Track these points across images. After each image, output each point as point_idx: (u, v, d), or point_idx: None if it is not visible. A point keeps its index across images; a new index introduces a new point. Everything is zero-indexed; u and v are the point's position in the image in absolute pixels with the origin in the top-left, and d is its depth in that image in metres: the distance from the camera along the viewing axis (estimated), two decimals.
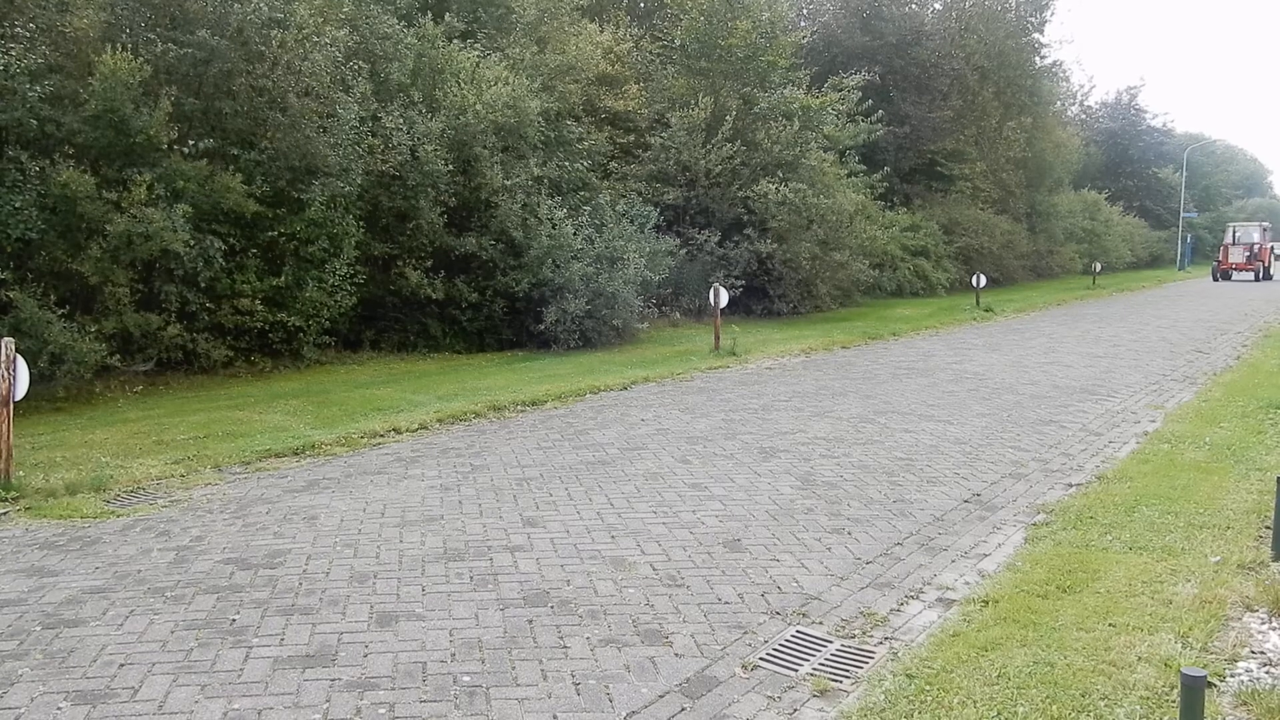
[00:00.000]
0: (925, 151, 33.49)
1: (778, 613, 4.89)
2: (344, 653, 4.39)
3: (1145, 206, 56.23)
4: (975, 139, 35.48)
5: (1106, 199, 48.26)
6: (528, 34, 19.79)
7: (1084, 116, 55.70)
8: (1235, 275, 42.41)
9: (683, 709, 3.91)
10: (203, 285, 12.37)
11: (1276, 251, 71.91)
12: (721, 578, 5.36)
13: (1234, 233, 44.22)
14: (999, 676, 4.07)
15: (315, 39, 13.36)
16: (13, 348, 7.00)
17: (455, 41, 17.36)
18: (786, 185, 20.82)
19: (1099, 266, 40.00)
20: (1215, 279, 41.82)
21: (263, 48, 12.75)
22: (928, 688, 4.00)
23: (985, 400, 11.26)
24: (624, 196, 19.67)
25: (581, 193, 18.60)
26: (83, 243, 11.32)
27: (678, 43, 22.78)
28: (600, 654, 4.39)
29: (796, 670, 4.28)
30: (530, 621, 4.75)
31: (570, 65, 19.99)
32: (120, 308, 11.47)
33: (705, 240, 20.55)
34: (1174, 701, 3.72)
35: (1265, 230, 44.45)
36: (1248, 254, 42.39)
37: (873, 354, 16.03)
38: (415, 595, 5.09)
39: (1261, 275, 41.87)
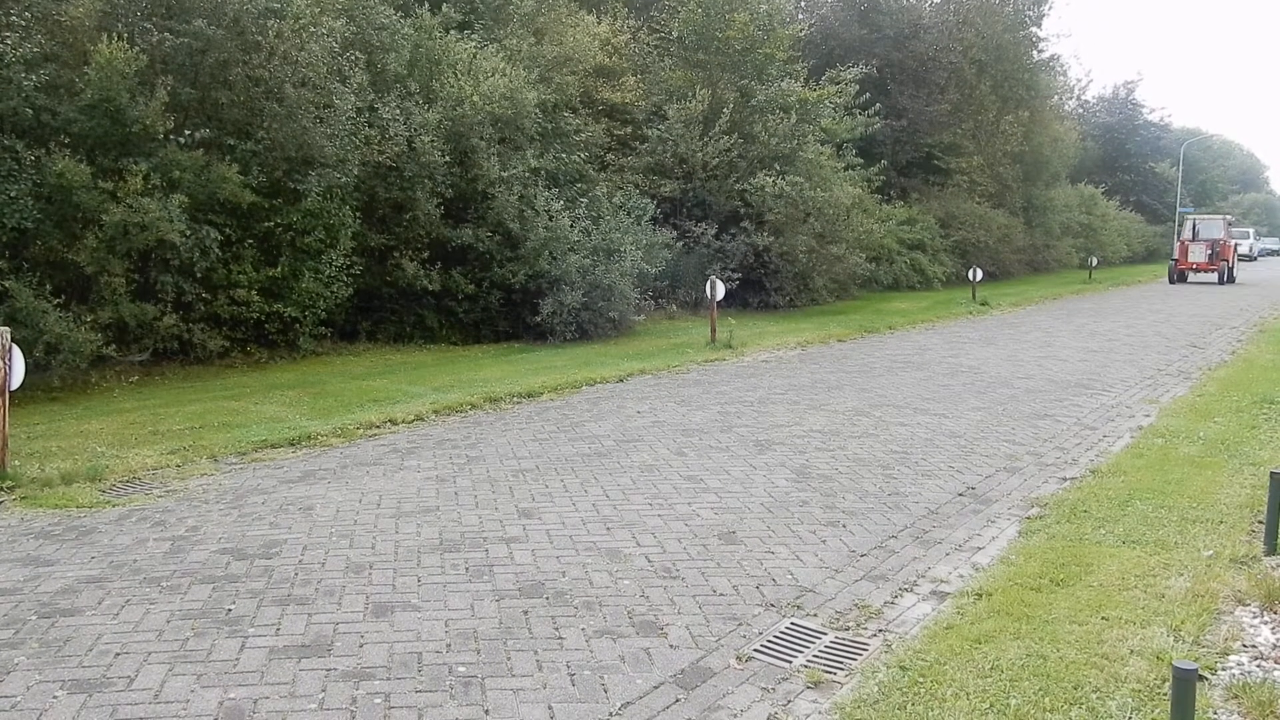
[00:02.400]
0: (922, 145, 33.51)
1: (772, 605, 4.91)
2: (340, 643, 4.40)
3: (1142, 201, 56.30)
4: (972, 133, 35.48)
5: (1103, 193, 48.28)
6: (525, 25, 19.74)
7: (1081, 111, 55.70)
8: (1194, 276, 36.35)
9: (677, 700, 3.93)
10: (199, 275, 12.36)
11: (1269, 247, 71.96)
12: (716, 570, 5.38)
13: (1193, 227, 37.22)
14: (992, 669, 4.10)
15: (312, 29, 13.32)
16: (8, 337, 6.98)
17: (452, 32, 17.32)
18: (783, 178, 20.82)
19: (1095, 261, 40.07)
20: (1172, 280, 35.97)
21: (259, 38, 12.72)
22: (921, 680, 4.02)
23: (980, 394, 11.28)
24: (621, 189, 19.65)
25: (578, 185, 18.58)
26: (78, 232, 11.30)
27: (675, 35, 22.75)
28: (595, 645, 4.41)
29: (791, 662, 4.30)
30: (526, 612, 4.76)
31: (567, 57, 19.95)
32: (116, 298, 11.45)
33: (702, 233, 20.55)
34: (1166, 694, 3.74)
35: (1230, 225, 38.42)
36: (1209, 252, 35.95)
37: (869, 347, 16.05)
38: (411, 586, 5.11)
39: (1225, 277, 35.71)
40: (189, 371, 12.45)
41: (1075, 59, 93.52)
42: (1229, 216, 40.65)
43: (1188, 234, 36.90)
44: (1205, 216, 40.52)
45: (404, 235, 15.46)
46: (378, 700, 3.88)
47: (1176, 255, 36.77)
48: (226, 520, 6.27)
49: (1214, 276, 35.72)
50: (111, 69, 11.15)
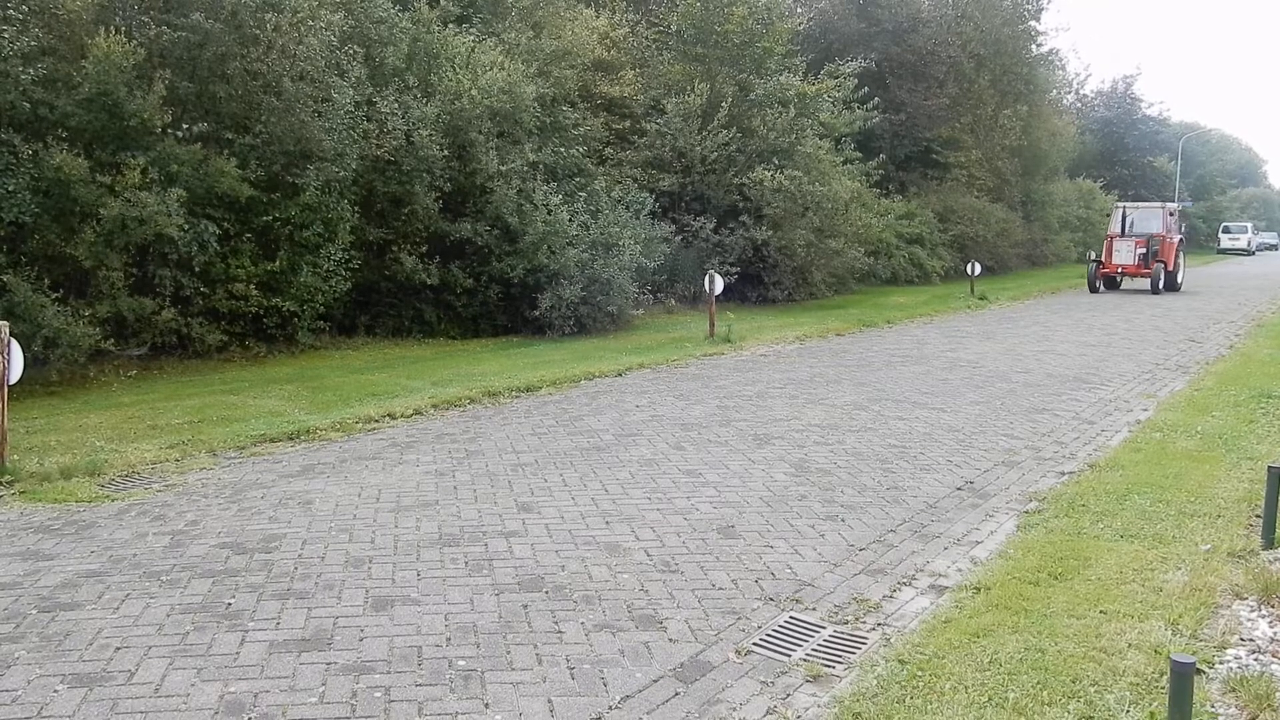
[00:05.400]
0: (921, 139, 33.45)
1: (771, 599, 4.92)
2: (340, 637, 4.41)
3: (1140, 195, 55.98)
4: (971, 127, 35.41)
5: (1101, 187, 48.23)
6: (523, 19, 19.70)
7: (1080, 105, 55.61)
8: (1125, 282, 28.36)
9: (676, 693, 3.94)
10: (197, 270, 12.34)
11: (1267, 241, 71.42)
12: (715, 564, 5.39)
13: (1124, 218, 27.96)
14: (990, 663, 4.11)
15: (310, 23, 13.28)
16: (7, 331, 6.98)
17: (450, 26, 17.27)
18: (782, 172, 20.80)
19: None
20: (1092, 288, 27.61)
21: (257, 31, 12.68)
22: (920, 673, 4.03)
23: (979, 388, 11.29)
24: (619, 183, 19.63)
25: (577, 179, 18.55)
26: (76, 226, 11.28)
27: (674, 28, 22.69)
28: (595, 639, 4.42)
29: (790, 656, 4.31)
30: (525, 606, 4.77)
31: (566, 50, 19.90)
32: (114, 292, 11.44)
33: (700, 227, 20.53)
34: (1163, 688, 3.75)
35: (1173, 215, 28.75)
36: (1142, 251, 26.96)
37: (867, 341, 16.05)
38: (410, 580, 5.11)
39: (1161, 283, 26.64)
40: (187, 366, 12.44)
41: (1074, 53, 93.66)
42: (1172, 204, 30.51)
43: (1115, 227, 28.09)
44: (1140, 205, 30.73)
45: (402, 229, 15.44)
46: (378, 694, 3.89)
47: (1101, 255, 28.32)
48: (226, 514, 6.27)
49: (1147, 283, 27.16)
50: (109, 63, 11.12)
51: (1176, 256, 27.65)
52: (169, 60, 12.27)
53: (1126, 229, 27.68)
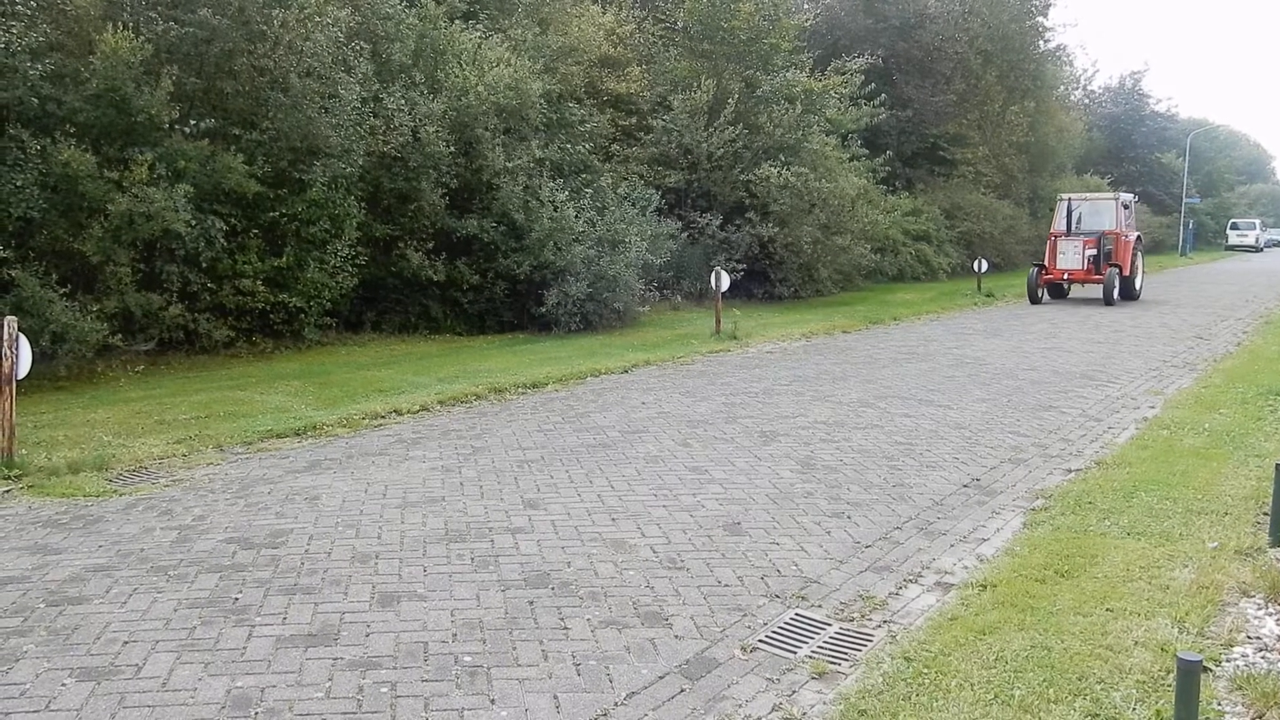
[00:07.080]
0: (928, 135, 33.40)
1: (777, 596, 4.92)
2: (346, 632, 4.42)
3: (1148, 192, 55.94)
4: (978, 123, 35.34)
5: (1109, 184, 48.03)
6: (530, 15, 19.71)
7: (1087, 101, 55.47)
8: (1072, 290, 24.05)
9: (682, 690, 3.94)
10: (204, 265, 12.38)
11: (1275, 238, 70.60)
12: (721, 561, 5.39)
13: (1069, 213, 22.57)
14: (996, 660, 4.10)
15: (317, 19, 13.30)
16: (15, 326, 7.01)
17: (457, 22, 17.29)
18: (788, 169, 20.78)
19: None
20: (1033, 298, 22.52)
21: (264, 27, 12.71)
22: (925, 670, 4.03)
23: (985, 385, 11.27)
24: (626, 179, 19.63)
25: (583, 175, 18.56)
26: (84, 222, 11.31)
27: (680, 25, 22.71)
28: (601, 635, 4.42)
29: (795, 653, 4.31)
30: (531, 603, 4.78)
31: (572, 47, 19.92)
32: (122, 287, 11.47)
33: (707, 224, 20.53)
34: (1170, 685, 3.74)
35: (1128, 209, 23.65)
36: (1092, 252, 22.25)
37: (873, 338, 16.03)
38: (417, 576, 5.12)
39: (1115, 291, 22.04)
40: (194, 361, 12.47)
41: (1081, 49, 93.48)
42: (1127, 197, 24.43)
43: (1060, 224, 22.92)
44: (1089, 196, 25.00)
45: (409, 226, 15.47)
46: (384, 689, 3.90)
47: (1045, 259, 23.22)
48: (233, 510, 6.29)
49: (1099, 290, 22.67)
50: (117, 58, 11.15)
51: (1134, 258, 23.06)
52: (176, 56, 12.30)
53: (1073, 226, 22.52)
